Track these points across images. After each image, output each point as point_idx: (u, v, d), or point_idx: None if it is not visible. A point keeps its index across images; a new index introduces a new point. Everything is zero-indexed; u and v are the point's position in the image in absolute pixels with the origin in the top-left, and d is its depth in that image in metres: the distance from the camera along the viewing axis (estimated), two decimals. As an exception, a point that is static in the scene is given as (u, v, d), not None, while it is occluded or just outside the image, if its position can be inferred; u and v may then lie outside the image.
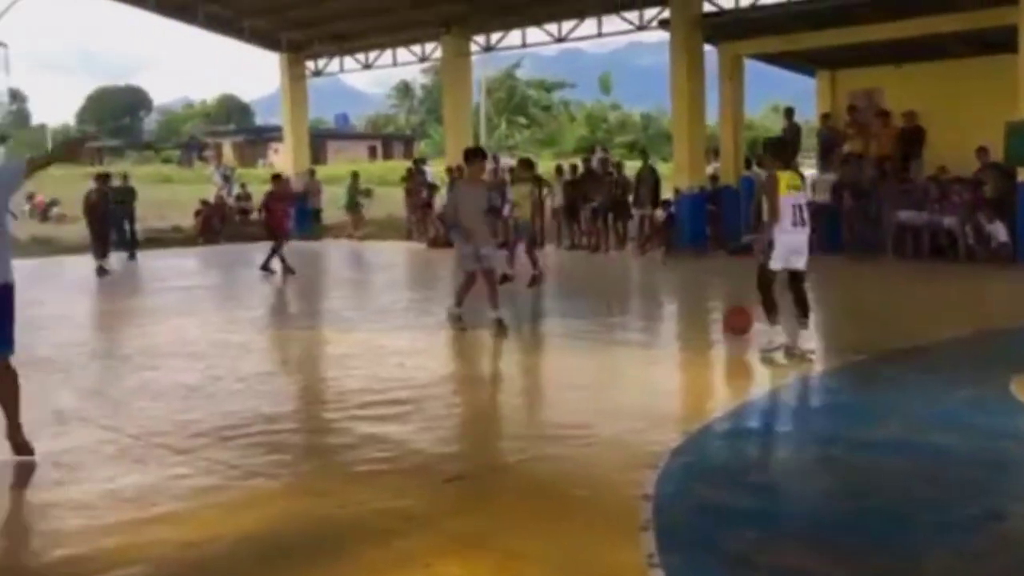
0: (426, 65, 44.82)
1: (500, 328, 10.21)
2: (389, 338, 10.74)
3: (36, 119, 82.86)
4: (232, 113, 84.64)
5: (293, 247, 19.19)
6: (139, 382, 8.29)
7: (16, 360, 9.43)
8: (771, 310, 8.64)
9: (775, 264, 8.52)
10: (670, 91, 20.30)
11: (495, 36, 24.45)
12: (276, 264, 17.18)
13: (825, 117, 20.84)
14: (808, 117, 25.78)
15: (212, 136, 69.28)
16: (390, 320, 11.81)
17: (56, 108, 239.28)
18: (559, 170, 21.90)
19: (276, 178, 18.99)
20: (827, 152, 20.03)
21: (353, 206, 26.29)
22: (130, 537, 4.66)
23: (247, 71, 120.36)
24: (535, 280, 14.14)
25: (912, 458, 5.79)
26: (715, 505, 5.07)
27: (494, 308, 10.35)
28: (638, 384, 8.13)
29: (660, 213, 19.85)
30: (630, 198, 20.45)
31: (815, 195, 18.73)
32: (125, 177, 22.96)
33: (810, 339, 8.71)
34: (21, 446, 6.10)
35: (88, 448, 6.21)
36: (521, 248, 14.81)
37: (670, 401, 7.74)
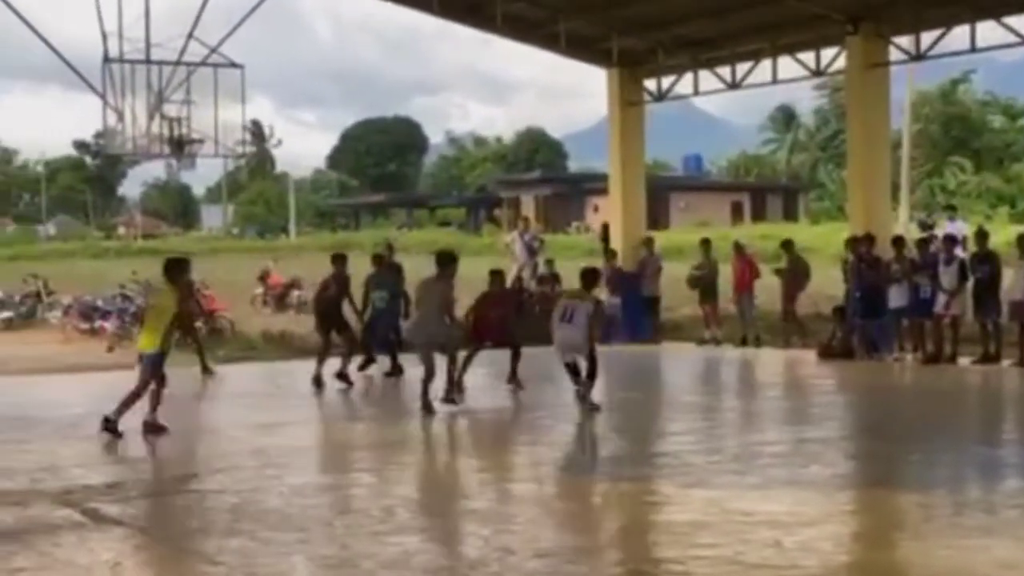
0: (819, 81, 44.80)
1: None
2: (757, 501, 10.66)
3: (279, 165, 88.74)
4: (537, 154, 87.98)
5: (618, 355, 19.47)
6: (399, 552, 8.66)
7: (238, 511, 10.21)
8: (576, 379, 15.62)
9: (557, 355, 15.73)
10: None
11: (927, 37, 24.03)
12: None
13: None
14: None
15: (507, 187, 72.08)
16: (759, 472, 11.74)
17: (304, 149, 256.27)
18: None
19: (496, 274, 18.93)
20: None
21: (703, 288, 26.26)
22: None
23: (560, 95, 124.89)
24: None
25: None
26: None
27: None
28: None
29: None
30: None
31: None
32: (390, 249, 23.09)
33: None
34: None
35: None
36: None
37: None
